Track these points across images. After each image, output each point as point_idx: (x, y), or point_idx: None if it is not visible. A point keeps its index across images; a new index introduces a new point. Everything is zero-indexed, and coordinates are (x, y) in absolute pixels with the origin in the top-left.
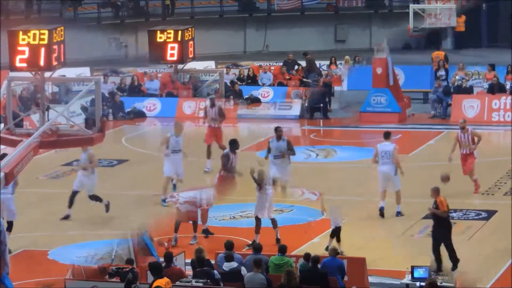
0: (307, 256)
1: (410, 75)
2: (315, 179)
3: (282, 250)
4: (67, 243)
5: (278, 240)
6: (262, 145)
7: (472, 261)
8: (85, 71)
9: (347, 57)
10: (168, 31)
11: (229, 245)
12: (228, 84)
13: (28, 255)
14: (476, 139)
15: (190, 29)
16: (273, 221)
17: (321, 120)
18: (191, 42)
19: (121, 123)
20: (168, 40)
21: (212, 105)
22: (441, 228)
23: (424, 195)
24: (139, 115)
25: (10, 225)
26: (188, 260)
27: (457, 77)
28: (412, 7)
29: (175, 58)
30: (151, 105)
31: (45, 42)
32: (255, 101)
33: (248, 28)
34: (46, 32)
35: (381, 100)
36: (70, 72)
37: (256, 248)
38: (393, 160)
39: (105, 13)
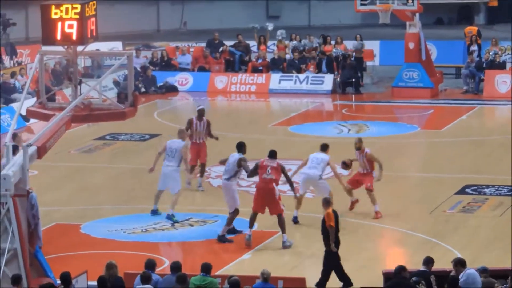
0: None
1: (443, 50)
2: (348, 154)
3: (206, 269)
4: (99, 217)
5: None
6: (293, 120)
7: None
8: (117, 45)
9: (280, 34)
10: (65, 5)
11: (151, 265)
12: (139, 69)
13: (61, 229)
14: (375, 164)
15: (91, 3)
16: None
17: (353, 95)
18: (92, 19)
19: (153, 98)
20: (65, 16)
21: (200, 117)
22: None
23: (456, 170)
24: (171, 89)
25: None
26: (91, 283)
27: (490, 53)
28: None
29: (73, 38)
30: (183, 80)
31: (78, 16)
32: (171, 89)
33: (161, 1)
34: (79, 6)
35: (413, 75)
36: (102, 46)
37: (175, 267)
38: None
39: None
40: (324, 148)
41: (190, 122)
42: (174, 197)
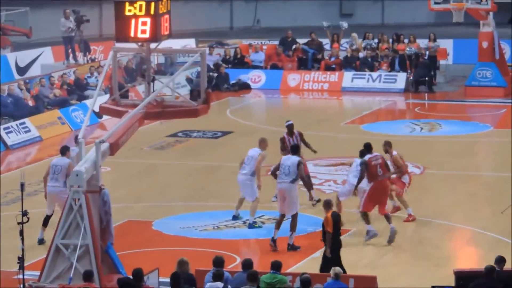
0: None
1: None
2: (419, 153)
3: (276, 266)
4: (171, 214)
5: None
6: (366, 118)
7: None
8: (190, 43)
9: (354, 34)
10: (139, 2)
11: (219, 262)
12: (212, 66)
13: (133, 226)
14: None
15: (165, 0)
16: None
17: (425, 94)
18: (166, 16)
19: (226, 95)
20: (138, 13)
21: (291, 133)
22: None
23: None
24: (244, 87)
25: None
26: (163, 279)
27: None
28: None
29: (147, 35)
30: (255, 77)
31: (151, 13)
32: (243, 87)
33: None
34: (153, 3)
35: (487, 74)
36: (175, 44)
37: (246, 264)
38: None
39: None
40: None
41: (282, 140)
42: (252, 205)
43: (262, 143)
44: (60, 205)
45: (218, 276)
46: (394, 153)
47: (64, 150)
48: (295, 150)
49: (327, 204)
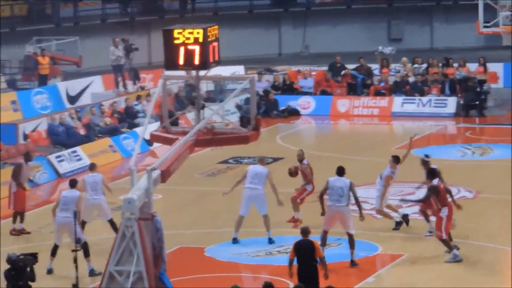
0: None
1: None
2: (471, 177)
3: None
4: (224, 240)
5: (352, 262)
6: (416, 143)
7: None
8: (239, 69)
9: (404, 59)
10: (187, 30)
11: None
12: (261, 93)
13: (185, 252)
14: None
15: (213, 27)
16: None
17: (476, 118)
18: (215, 44)
19: (276, 121)
20: (187, 41)
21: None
22: None
23: None
24: (293, 113)
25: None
26: None
27: None
28: None
29: (196, 62)
30: (305, 103)
31: (200, 40)
32: (293, 113)
33: (283, 25)
34: (201, 30)
35: None
36: (224, 71)
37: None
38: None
39: (111, 9)
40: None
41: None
42: (266, 220)
43: (263, 161)
44: (70, 235)
45: None
46: (305, 161)
47: (73, 183)
48: (341, 172)
49: (304, 232)
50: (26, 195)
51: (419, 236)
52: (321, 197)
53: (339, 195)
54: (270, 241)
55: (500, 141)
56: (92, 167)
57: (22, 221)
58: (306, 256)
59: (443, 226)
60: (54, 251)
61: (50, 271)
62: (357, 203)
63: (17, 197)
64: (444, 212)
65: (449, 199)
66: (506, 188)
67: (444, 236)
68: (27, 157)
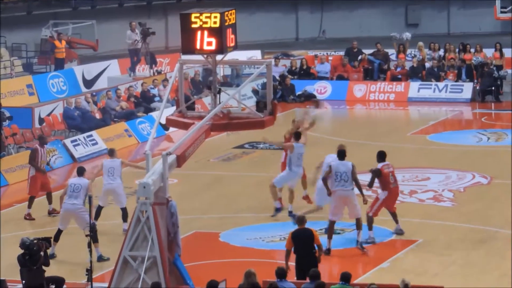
0: None
1: None
2: (486, 162)
3: (345, 277)
4: (238, 226)
5: (360, 245)
6: (432, 128)
7: None
8: (256, 54)
9: (420, 43)
10: (204, 14)
11: (281, 273)
12: (278, 78)
13: (200, 237)
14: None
15: (231, 12)
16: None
17: (492, 103)
18: (232, 28)
19: (292, 106)
20: (204, 25)
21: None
22: None
23: None
24: (310, 97)
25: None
26: None
27: None
28: None
29: (213, 47)
30: (321, 88)
31: (217, 25)
32: (309, 97)
33: (300, 10)
34: (218, 15)
35: None
36: (241, 55)
37: (313, 275)
38: None
39: None
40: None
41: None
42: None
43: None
44: (78, 222)
45: None
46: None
47: (81, 171)
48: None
49: (299, 220)
50: (47, 177)
51: (433, 222)
52: (324, 180)
53: (344, 179)
54: (290, 213)
55: None
56: (111, 152)
57: (50, 202)
58: (304, 245)
59: (375, 206)
60: (57, 236)
61: (52, 256)
62: (358, 186)
63: (34, 182)
64: (382, 194)
65: (393, 185)
66: None
67: (371, 214)
68: (42, 140)
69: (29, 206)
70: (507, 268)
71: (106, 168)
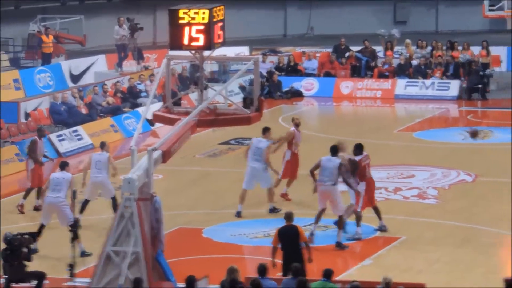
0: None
1: None
2: (472, 160)
3: (327, 274)
4: (223, 222)
5: (339, 244)
6: (418, 125)
7: None
8: (244, 50)
9: (408, 40)
10: (193, 10)
11: (262, 270)
12: (265, 74)
13: (183, 233)
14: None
15: (219, 8)
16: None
17: (479, 101)
18: (220, 24)
19: (279, 102)
20: (192, 21)
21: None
22: None
23: None
24: (297, 94)
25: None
26: (213, 287)
27: None
28: None
29: (200, 43)
30: (309, 85)
31: (205, 21)
32: (296, 94)
33: (289, 7)
34: (207, 11)
35: None
36: (229, 51)
37: (295, 271)
38: (263, 158)
39: None
40: (265, 131)
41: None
42: (270, 192)
43: (267, 133)
44: (60, 217)
45: (255, 287)
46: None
47: (64, 165)
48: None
49: (287, 217)
50: (43, 170)
51: (418, 219)
52: (312, 174)
53: (326, 175)
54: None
55: (502, 124)
56: (102, 145)
57: (38, 197)
58: (291, 242)
59: (360, 201)
60: (40, 230)
61: (35, 251)
62: (346, 183)
63: (35, 174)
64: (361, 187)
65: (369, 176)
66: (506, 172)
67: (359, 209)
68: (40, 132)
69: (25, 197)
70: (492, 266)
71: (94, 161)
